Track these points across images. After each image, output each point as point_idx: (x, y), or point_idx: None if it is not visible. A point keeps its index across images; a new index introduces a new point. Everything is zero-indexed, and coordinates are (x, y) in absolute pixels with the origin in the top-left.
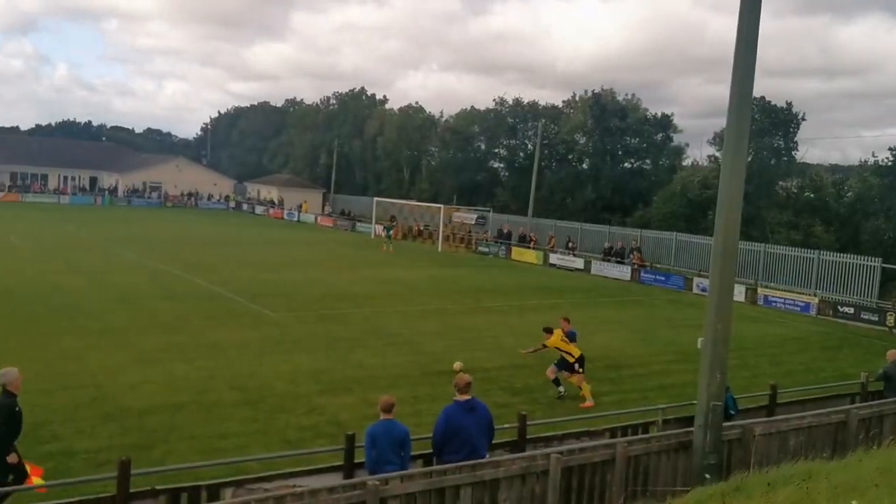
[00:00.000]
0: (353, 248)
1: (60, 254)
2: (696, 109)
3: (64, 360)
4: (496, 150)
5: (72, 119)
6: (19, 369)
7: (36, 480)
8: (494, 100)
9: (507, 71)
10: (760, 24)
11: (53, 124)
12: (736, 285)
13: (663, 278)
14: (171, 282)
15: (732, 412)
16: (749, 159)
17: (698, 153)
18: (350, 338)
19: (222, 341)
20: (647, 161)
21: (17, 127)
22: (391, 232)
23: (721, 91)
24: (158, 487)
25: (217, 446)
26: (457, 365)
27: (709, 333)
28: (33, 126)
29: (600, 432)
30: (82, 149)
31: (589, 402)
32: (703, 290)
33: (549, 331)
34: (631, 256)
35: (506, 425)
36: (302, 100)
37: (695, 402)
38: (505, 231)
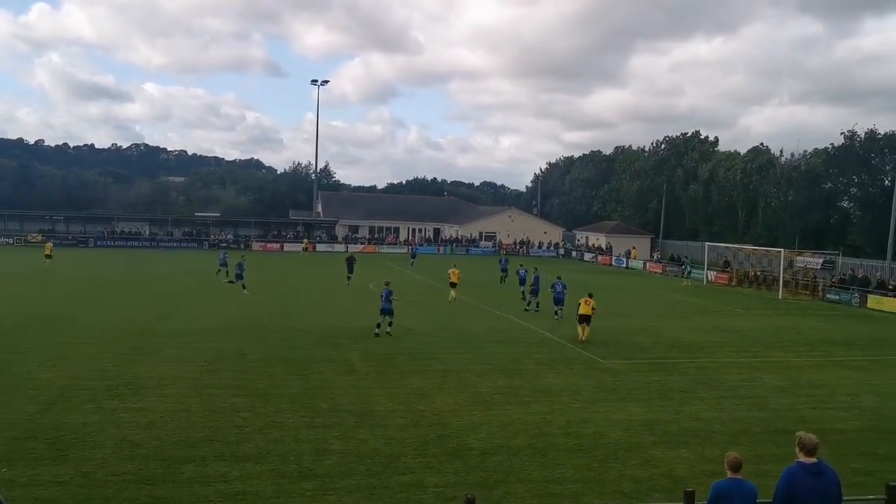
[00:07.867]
0: (683, 294)
1: (411, 300)
2: None
3: (414, 398)
4: (847, 188)
5: (420, 177)
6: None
7: None
8: (843, 133)
9: (872, 97)
10: None
11: (404, 182)
12: None
13: None
14: (506, 326)
15: None
16: None
17: None
18: (684, 388)
19: (555, 386)
20: None
21: (375, 186)
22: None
23: None
24: None
25: (552, 491)
26: None
27: None
28: (387, 184)
29: None
30: (427, 204)
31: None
32: None
33: None
34: None
35: (870, 496)
36: (630, 145)
37: None
38: (859, 276)
